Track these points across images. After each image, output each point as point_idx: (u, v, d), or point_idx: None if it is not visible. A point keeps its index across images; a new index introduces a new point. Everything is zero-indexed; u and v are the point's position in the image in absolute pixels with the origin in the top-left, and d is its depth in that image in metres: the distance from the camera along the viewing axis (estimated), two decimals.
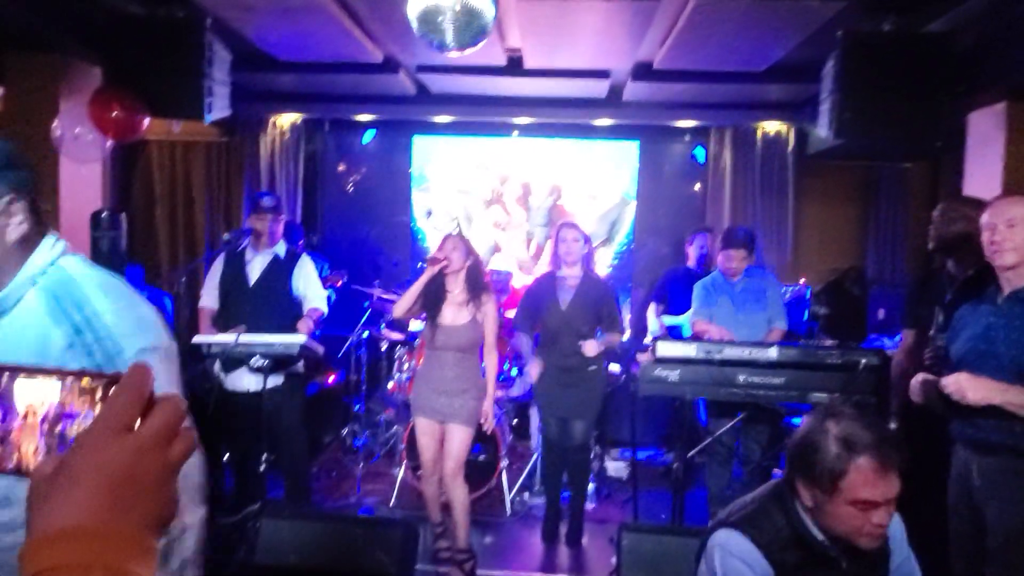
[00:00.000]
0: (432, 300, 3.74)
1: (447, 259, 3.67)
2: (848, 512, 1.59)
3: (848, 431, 1.61)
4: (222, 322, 4.12)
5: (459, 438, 3.70)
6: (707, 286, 4.36)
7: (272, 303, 4.11)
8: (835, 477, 1.58)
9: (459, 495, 3.71)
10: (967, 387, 2.38)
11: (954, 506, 2.64)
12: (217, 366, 4.13)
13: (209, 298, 4.26)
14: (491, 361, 3.83)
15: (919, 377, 2.66)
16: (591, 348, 3.96)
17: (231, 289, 4.17)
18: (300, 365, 4.25)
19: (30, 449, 0.62)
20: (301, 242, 5.14)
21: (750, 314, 4.22)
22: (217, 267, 4.29)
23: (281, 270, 4.20)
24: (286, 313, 4.10)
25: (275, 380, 4.09)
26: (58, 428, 0.62)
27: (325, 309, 4.32)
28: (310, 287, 4.26)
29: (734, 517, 1.77)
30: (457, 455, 3.69)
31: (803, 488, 1.67)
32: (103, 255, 3.76)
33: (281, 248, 4.25)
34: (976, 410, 2.40)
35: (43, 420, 0.62)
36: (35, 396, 0.62)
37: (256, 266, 4.19)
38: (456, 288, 3.75)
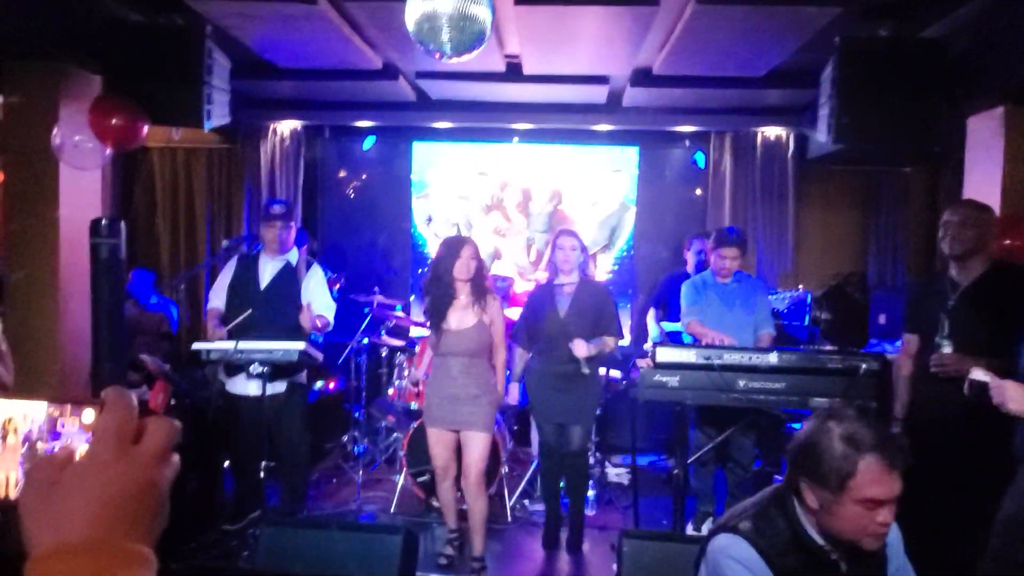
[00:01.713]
0: (437, 306, 3.72)
1: (466, 276, 3.69)
2: (855, 512, 1.59)
3: (853, 430, 1.61)
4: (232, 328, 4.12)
5: (479, 447, 3.68)
6: (696, 284, 4.40)
7: (280, 310, 4.10)
8: (844, 476, 1.58)
9: (480, 504, 3.71)
10: (1008, 396, 2.31)
11: (1010, 519, 2.47)
12: (220, 370, 4.14)
13: (217, 299, 4.26)
14: (500, 358, 3.83)
15: (978, 373, 2.49)
16: (580, 348, 3.89)
17: (241, 293, 4.16)
18: (303, 374, 4.24)
19: (12, 477, 0.62)
20: (304, 248, 5.15)
21: (738, 317, 4.25)
22: (228, 270, 4.29)
23: (291, 278, 4.19)
24: (295, 321, 4.09)
25: (277, 387, 4.09)
26: (42, 450, 0.62)
27: (331, 320, 4.27)
28: (318, 299, 4.23)
29: (734, 521, 1.76)
30: (479, 462, 3.68)
31: (809, 490, 1.66)
32: (103, 263, 3.76)
33: (293, 256, 4.25)
34: None
35: (25, 440, 0.62)
36: (15, 412, 0.62)
37: (267, 272, 4.19)
38: (462, 293, 3.74)
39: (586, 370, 3.95)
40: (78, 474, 0.58)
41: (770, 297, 5.35)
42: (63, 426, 0.64)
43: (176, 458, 0.63)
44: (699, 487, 4.43)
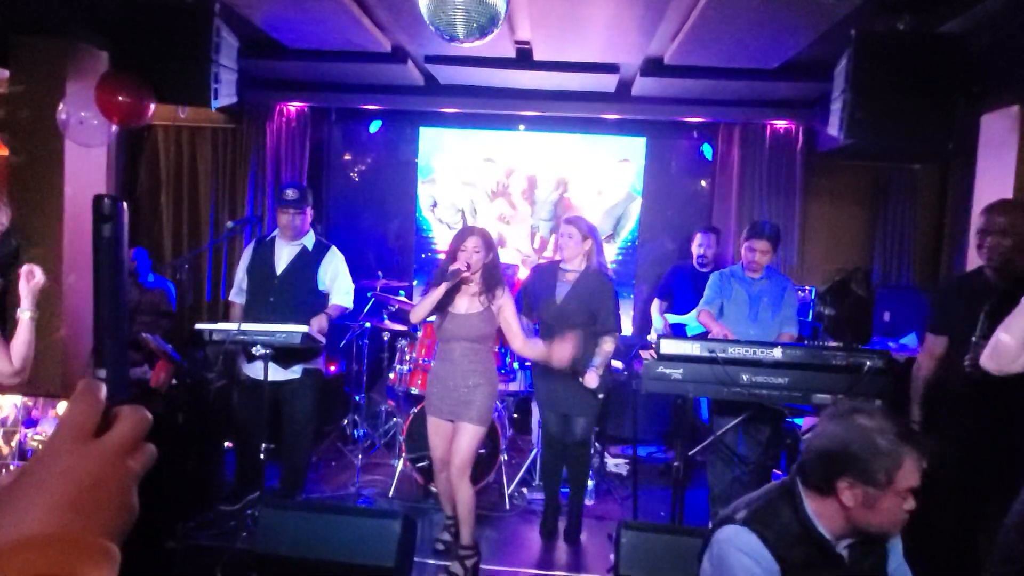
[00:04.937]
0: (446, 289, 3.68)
1: (470, 269, 3.61)
2: (894, 503, 1.64)
3: (887, 426, 1.65)
4: (249, 312, 4.11)
5: (468, 437, 3.64)
6: (725, 275, 4.31)
7: (297, 295, 4.08)
8: (893, 470, 1.62)
9: (464, 493, 3.67)
10: None
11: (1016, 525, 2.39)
12: (240, 357, 4.13)
13: (237, 293, 4.27)
14: (518, 341, 3.72)
15: None
16: (592, 380, 3.90)
17: (258, 279, 4.14)
18: (321, 360, 4.23)
19: None
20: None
21: (764, 315, 4.18)
22: (246, 256, 4.28)
23: (308, 262, 4.17)
24: (311, 306, 4.08)
25: (293, 373, 4.08)
26: (15, 438, 0.62)
27: (350, 305, 4.26)
28: (336, 282, 4.21)
29: (741, 514, 1.78)
30: (465, 453, 3.64)
31: (849, 489, 1.66)
32: (105, 241, 3.74)
33: (310, 240, 4.22)
34: None
35: None
36: None
37: (283, 257, 4.16)
38: (472, 281, 3.71)
39: (601, 395, 3.99)
40: (35, 468, 0.57)
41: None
42: (38, 416, 0.64)
43: (151, 447, 0.62)
44: (718, 489, 4.11)
